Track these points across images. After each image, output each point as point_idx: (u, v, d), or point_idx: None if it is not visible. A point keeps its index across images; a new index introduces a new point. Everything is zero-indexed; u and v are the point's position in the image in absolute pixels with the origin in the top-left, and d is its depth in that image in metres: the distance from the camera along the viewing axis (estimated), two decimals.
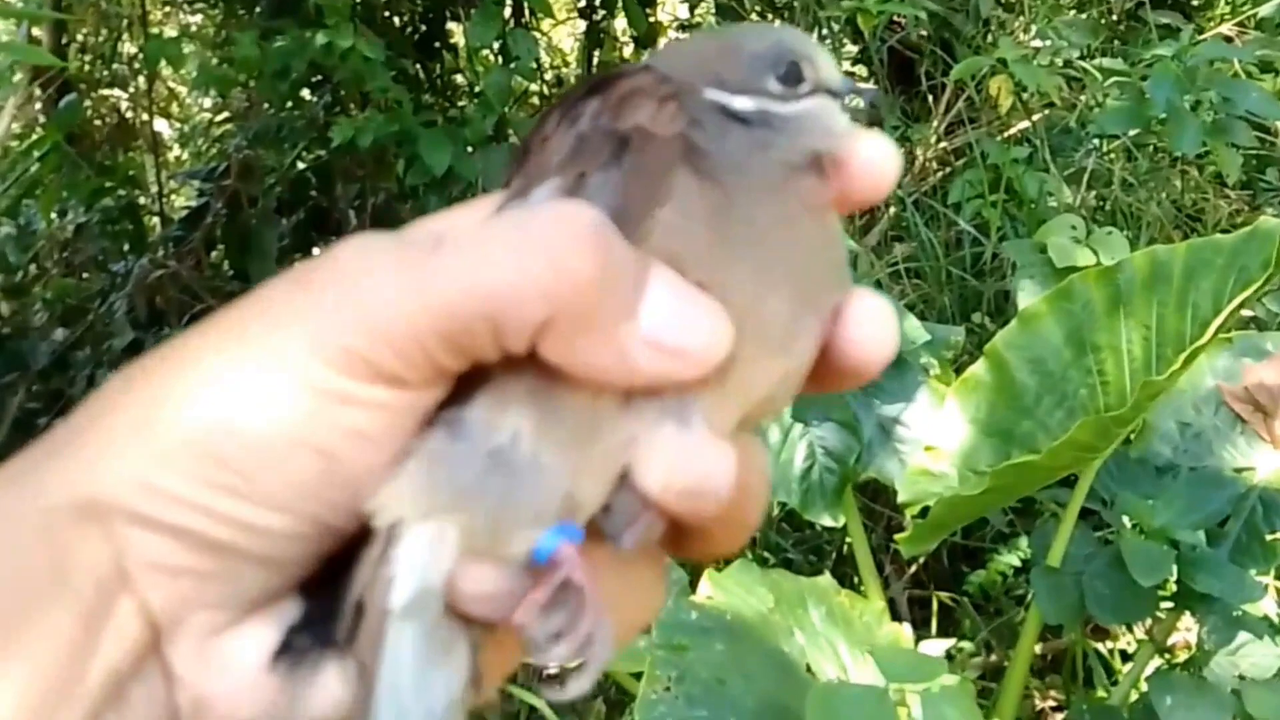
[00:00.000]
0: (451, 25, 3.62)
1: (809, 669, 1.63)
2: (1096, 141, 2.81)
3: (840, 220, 0.44)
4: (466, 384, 0.37)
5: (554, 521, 0.38)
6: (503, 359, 0.36)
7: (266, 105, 3.35)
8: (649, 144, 0.39)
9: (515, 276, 0.35)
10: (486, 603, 0.37)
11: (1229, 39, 3.02)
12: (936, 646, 1.87)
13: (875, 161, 0.43)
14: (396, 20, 3.49)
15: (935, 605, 2.63)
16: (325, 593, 0.38)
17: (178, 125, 4.19)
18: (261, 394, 0.35)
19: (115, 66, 3.31)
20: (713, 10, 3.57)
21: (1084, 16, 3.11)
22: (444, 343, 0.35)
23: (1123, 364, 1.82)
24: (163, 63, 3.77)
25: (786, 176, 0.41)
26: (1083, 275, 1.85)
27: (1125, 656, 2.37)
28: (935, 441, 1.90)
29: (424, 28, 3.54)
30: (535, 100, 3.99)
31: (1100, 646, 2.38)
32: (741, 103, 0.42)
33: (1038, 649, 2.47)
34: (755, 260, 0.40)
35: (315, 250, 3.81)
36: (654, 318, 0.37)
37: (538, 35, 4.05)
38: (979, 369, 1.89)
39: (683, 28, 3.91)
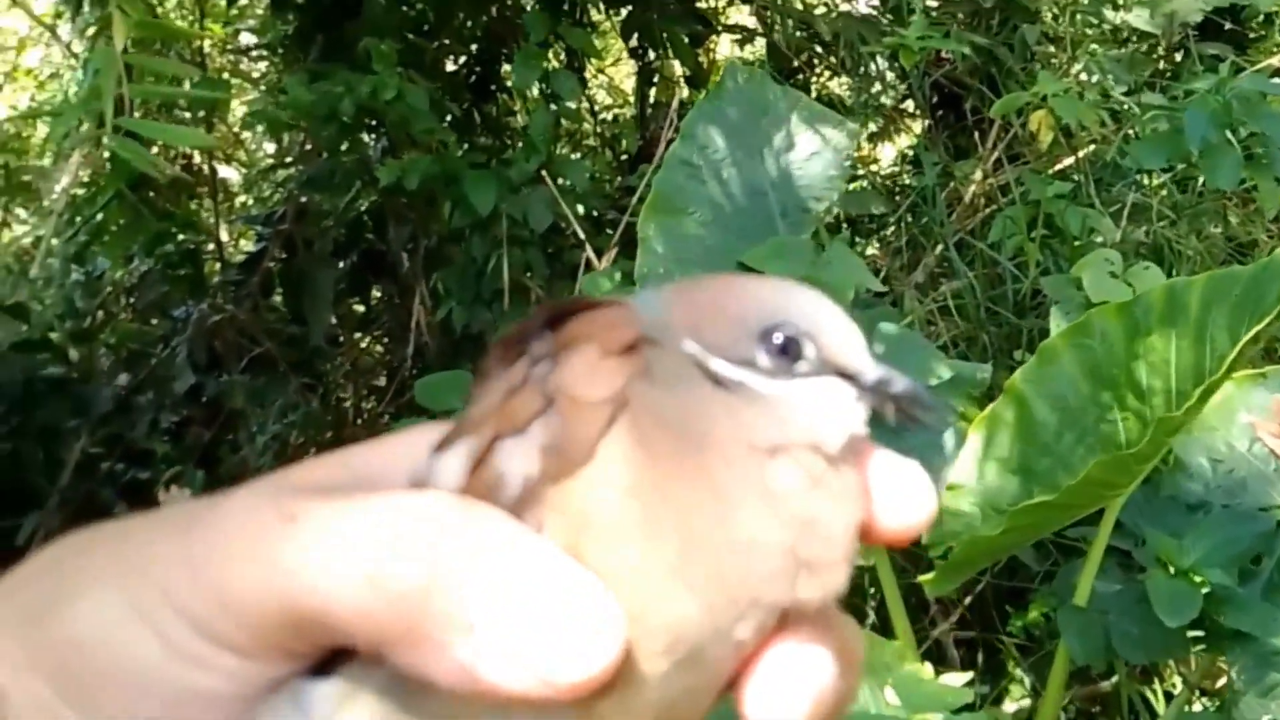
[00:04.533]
0: (507, 68, 3.67)
1: None
2: (1142, 176, 2.77)
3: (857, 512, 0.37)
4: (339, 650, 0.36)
5: None
6: None
7: (322, 151, 3.41)
8: (573, 410, 0.35)
9: (335, 585, 0.33)
10: None
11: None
12: (957, 679, 1.84)
13: (901, 494, 0.38)
14: (451, 64, 3.54)
15: (981, 646, 2.59)
16: None
17: (243, 171, 4.28)
18: (118, 629, 0.35)
19: (176, 113, 3.38)
20: (762, 49, 3.58)
21: (1131, 50, 3.07)
22: (284, 629, 0.34)
23: (1142, 399, 1.79)
24: (233, 109, 3.89)
25: (765, 454, 0.36)
26: (1101, 309, 1.82)
27: (1173, 699, 2.31)
28: (957, 480, 1.88)
29: (478, 70, 3.58)
30: (591, 141, 4.02)
31: (1147, 690, 2.33)
32: (719, 368, 0.37)
33: (1083, 691, 2.43)
34: (673, 554, 0.34)
35: (374, 292, 3.87)
36: (506, 628, 0.32)
37: (600, 75, 4.09)
38: (1000, 406, 1.87)
39: None
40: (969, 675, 1.86)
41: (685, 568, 0.34)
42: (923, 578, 1.92)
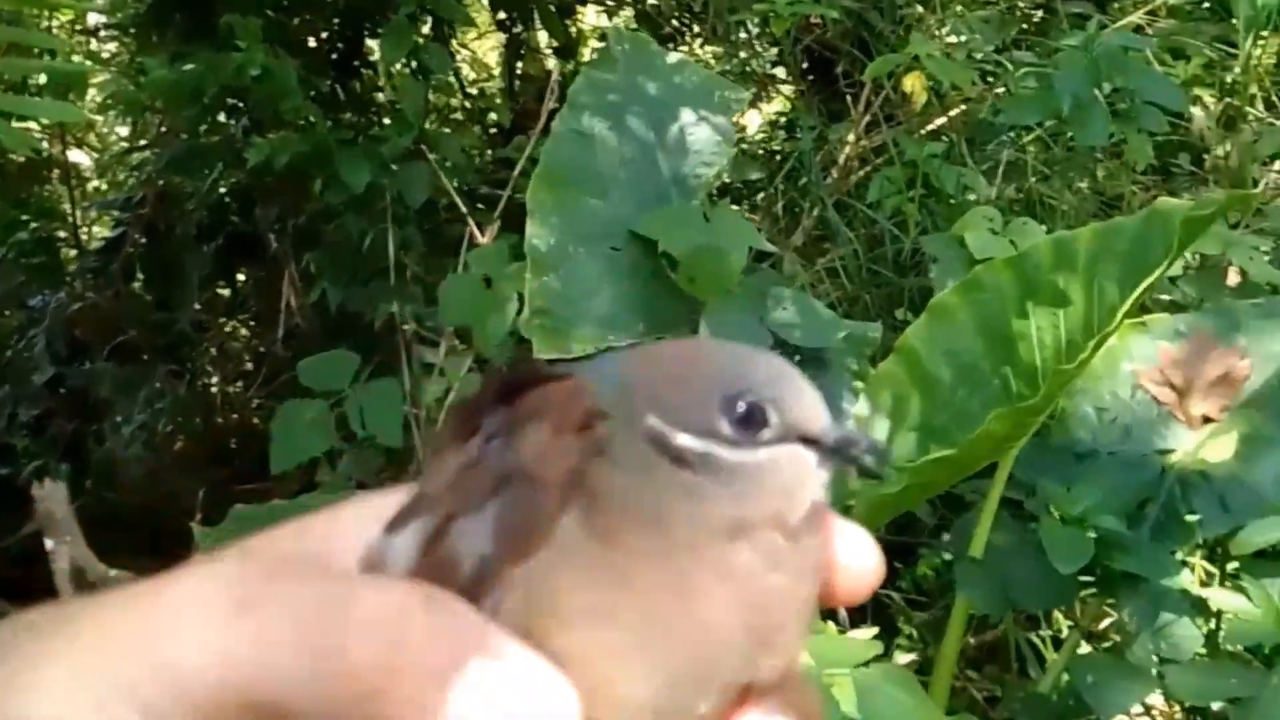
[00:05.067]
0: (370, 43, 3.60)
1: None
2: (1013, 134, 2.82)
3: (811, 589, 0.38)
4: None
5: None
6: None
7: (182, 132, 3.32)
8: (529, 489, 0.35)
9: (288, 672, 0.33)
10: None
11: (1140, 27, 3.04)
12: (862, 634, 1.86)
13: (850, 559, 0.40)
14: (312, 40, 3.46)
15: (870, 603, 2.63)
16: None
17: (95, 155, 4.14)
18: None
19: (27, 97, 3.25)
20: (631, 18, 3.56)
21: (997, 10, 3.12)
22: (238, 714, 0.34)
23: (1034, 352, 1.82)
24: (88, 92, 3.75)
25: (724, 535, 0.36)
26: (990, 265, 1.85)
27: (1059, 644, 2.37)
28: None
29: (341, 46, 3.51)
30: (459, 115, 3.97)
31: (1034, 636, 2.38)
32: (684, 440, 0.36)
33: (972, 641, 2.48)
34: (631, 635, 0.35)
35: (239, 275, 3.79)
36: (467, 714, 0.33)
37: (461, 49, 4.04)
38: (892, 364, 1.89)
39: (603, 37, 3.89)
40: (875, 630, 1.88)
41: (645, 649, 0.35)
42: None
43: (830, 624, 1.87)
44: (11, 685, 0.35)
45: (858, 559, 0.39)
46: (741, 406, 0.37)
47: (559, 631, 0.34)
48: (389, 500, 0.39)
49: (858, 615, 2.61)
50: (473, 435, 0.37)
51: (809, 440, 0.38)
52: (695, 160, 1.91)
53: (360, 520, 0.39)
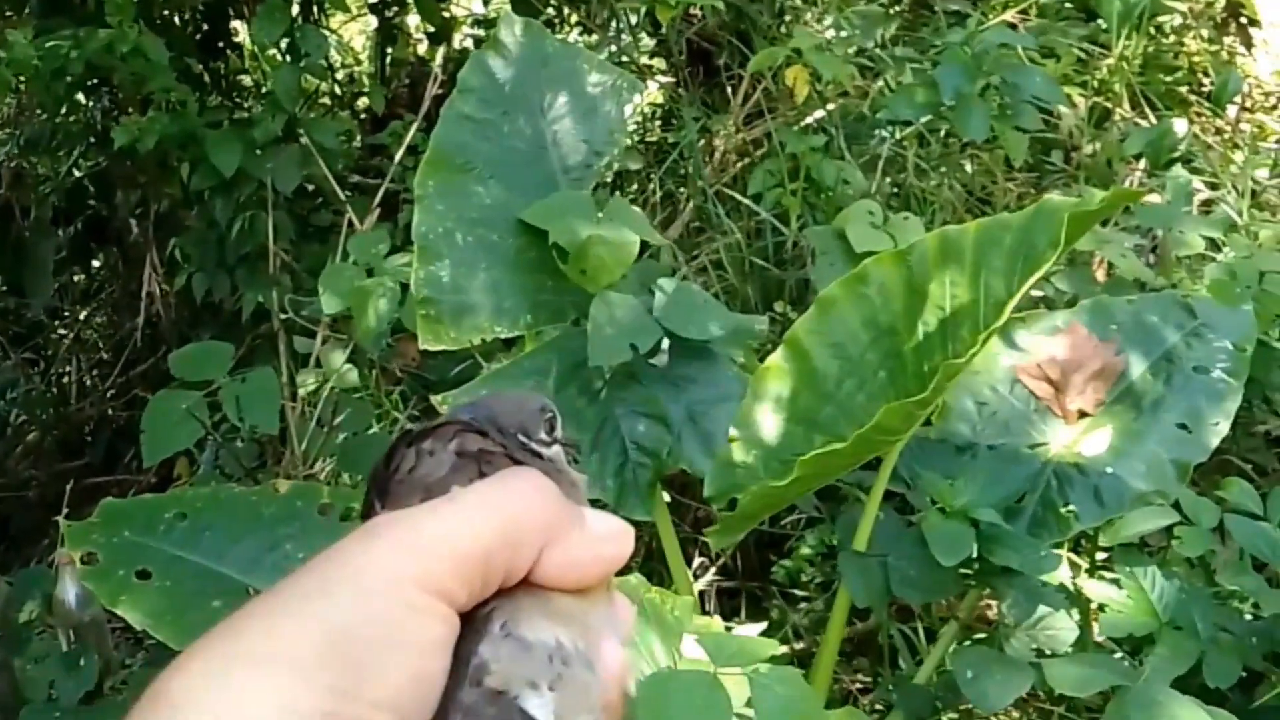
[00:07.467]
0: (236, 24, 3.50)
1: None
2: (891, 129, 2.84)
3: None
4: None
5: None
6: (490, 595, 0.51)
7: (39, 110, 3.19)
8: (493, 456, 0.56)
9: (525, 510, 0.52)
10: None
11: (1013, 25, 3.09)
12: (750, 630, 1.85)
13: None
14: (177, 19, 3.35)
15: (744, 596, 2.63)
16: None
17: None
18: (381, 609, 0.46)
19: None
20: (507, 3, 3.51)
21: (874, 5, 3.14)
22: (481, 562, 0.49)
23: (919, 345, 1.83)
24: None
25: (579, 486, 0.58)
26: (877, 259, 1.85)
27: (931, 636, 2.39)
28: (738, 432, 1.89)
29: (206, 26, 3.41)
30: (327, 100, 3.88)
31: (905, 628, 2.40)
32: (529, 441, 0.59)
33: (845, 633, 2.49)
34: None
35: (95, 261, 3.66)
36: (595, 521, 0.54)
37: (327, 33, 3.94)
38: (779, 357, 1.88)
39: (477, 23, 3.84)
40: (762, 625, 1.88)
41: None
42: (708, 531, 1.93)
43: (716, 619, 1.86)
44: (340, 602, 0.46)
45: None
46: (549, 422, 0.60)
47: None
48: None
49: (731, 610, 2.61)
50: (429, 453, 0.57)
51: (560, 441, 0.60)
52: (586, 150, 1.88)
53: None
